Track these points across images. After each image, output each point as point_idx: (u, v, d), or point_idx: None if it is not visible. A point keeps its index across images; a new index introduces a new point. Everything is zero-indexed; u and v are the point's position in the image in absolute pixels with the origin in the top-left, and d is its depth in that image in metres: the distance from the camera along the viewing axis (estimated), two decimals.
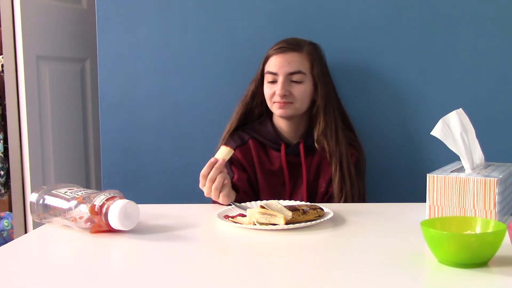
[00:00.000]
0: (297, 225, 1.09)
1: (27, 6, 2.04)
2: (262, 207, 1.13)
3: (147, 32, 1.82)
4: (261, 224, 1.11)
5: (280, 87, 1.52)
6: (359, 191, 1.54)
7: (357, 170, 1.57)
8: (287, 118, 1.56)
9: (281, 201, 1.25)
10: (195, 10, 1.79)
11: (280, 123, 1.59)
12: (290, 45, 1.55)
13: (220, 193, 1.31)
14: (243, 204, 1.27)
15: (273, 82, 1.55)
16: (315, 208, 1.17)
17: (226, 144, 1.54)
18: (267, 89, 1.56)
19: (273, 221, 1.11)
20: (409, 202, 1.29)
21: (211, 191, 1.31)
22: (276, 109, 1.55)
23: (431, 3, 1.70)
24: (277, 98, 1.53)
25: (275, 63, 1.54)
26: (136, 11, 1.81)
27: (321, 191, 1.55)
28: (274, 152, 1.58)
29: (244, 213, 1.18)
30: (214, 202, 1.44)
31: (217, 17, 1.78)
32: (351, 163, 1.53)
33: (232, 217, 1.18)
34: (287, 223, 1.09)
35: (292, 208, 1.13)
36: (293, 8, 1.75)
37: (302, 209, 1.14)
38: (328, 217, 1.15)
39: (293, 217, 1.11)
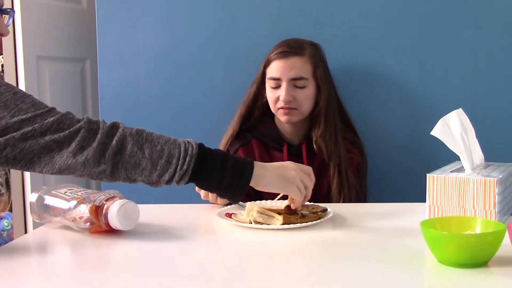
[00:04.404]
0: (297, 225, 1.09)
1: (27, 6, 2.04)
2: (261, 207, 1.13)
3: (147, 32, 1.82)
4: (257, 223, 1.10)
5: (284, 93, 1.51)
6: (358, 193, 1.54)
7: (358, 173, 1.57)
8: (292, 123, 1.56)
9: (281, 201, 1.25)
10: (195, 10, 1.79)
11: (283, 125, 1.59)
12: (291, 49, 1.53)
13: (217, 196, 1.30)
14: (243, 203, 1.27)
15: (276, 87, 1.54)
16: (315, 212, 1.15)
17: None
18: (271, 94, 1.56)
19: (269, 222, 1.10)
20: (409, 202, 1.29)
21: (208, 194, 1.30)
22: (281, 116, 1.55)
23: (431, 3, 1.70)
24: (281, 104, 1.52)
25: (277, 68, 1.53)
26: (136, 11, 1.81)
27: (323, 192, 1.55)
28: (277, 152, 1.58)
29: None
30: (213, 202, 1.43)
31: (217, 17, 1.78)
32: (349, 166, 1.53)
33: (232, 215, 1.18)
34: (285, 224, 1.09)
35: (290, 212, 1.12)
36: (294, 8, 1.75)
37: (301, 213, 1.13)
38: (328, 217, 1.15)
39: (290, 221, 1.10)
